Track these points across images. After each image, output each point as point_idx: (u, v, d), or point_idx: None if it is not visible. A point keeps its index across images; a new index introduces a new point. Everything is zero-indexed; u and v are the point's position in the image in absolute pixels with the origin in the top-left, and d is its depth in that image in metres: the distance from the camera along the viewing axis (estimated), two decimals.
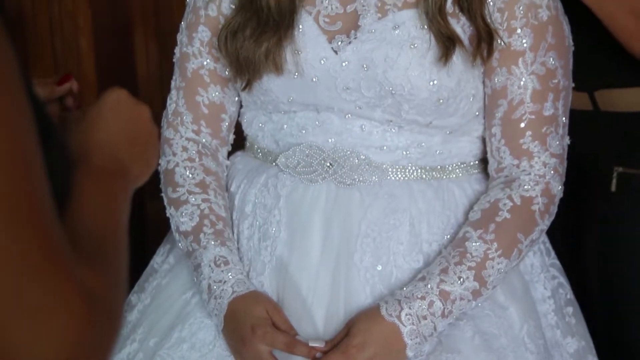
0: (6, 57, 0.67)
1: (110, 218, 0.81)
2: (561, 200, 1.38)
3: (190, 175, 1.42)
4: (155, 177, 1.46)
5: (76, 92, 1.20)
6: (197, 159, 1.44)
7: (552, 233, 1.42)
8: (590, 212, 1.53)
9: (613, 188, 1.46)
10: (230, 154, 1.51)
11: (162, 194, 1.45)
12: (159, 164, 1.46)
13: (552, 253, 1.47)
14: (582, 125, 1.45)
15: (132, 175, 0.90)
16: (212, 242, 1.36)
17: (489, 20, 1.32)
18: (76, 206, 0.79)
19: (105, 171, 0.86)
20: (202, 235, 1.37)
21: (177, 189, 1.42)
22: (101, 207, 0.81)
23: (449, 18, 1.31)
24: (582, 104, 1.47)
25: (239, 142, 1.51)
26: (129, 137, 0.92)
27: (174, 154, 1.44)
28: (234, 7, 1.40)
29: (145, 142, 0.93)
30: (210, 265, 1.34)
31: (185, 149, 1.44)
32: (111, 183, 0.85)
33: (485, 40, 1.32)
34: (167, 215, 1.43)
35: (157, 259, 1.52)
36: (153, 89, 2.33)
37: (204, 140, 1.46)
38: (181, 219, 1.39)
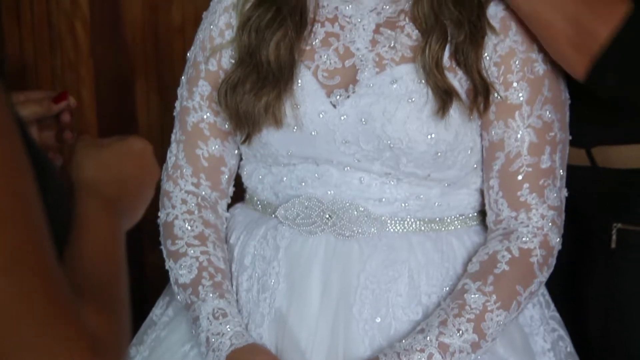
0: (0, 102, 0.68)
1: (113, 256, 0.81)
2: (561, 252, 1.38)
3: (190, 228, 1.43)
4: (155, 229, 1.47)
5: (73, 108, 1.21)
6: (196, 212, 1.44)
7: (551, 285, 1.42)
8: (590, 265, 1.52)
9: (613, 245, 1.46)
10: (229, 206, 1.51)
11: (162, 247, 1.45)
12: (158, 217, 1.47)
13: (552, 305, 1.46)
14: (580, 181, 1.45)
15: (126, 220, 0.91)
16: (211, 295, 1.36)
17: (485, 74, 1.34)
18: (81, 241, 0.79)
19: (111, 205, 0.87)
20: (200, 287, 1.37)
21: (176, 242, 1.42)
22: (106, 243, 0.81)
23: (446, 72, 1.33)
24: (579, 160, 1.47)
25: (238, 194, 1.52)
26: (136, 186, 0.93)
27: (174, 207, 1.45)
28: (233, 61, 1.41)
29: (146, 198, 0.95)
30: (208, 318, 1.34)
31: (184, 201, 1.45)
32: (115, 218, 0.86)
33: (482, 94, 1.33)
34: (166, 267, 1.43)
35: (156, 311, 1.51)
36: (154, 141, 2.33)
37: (203, 192, 1.46)
38: (180, 272, 1.40)
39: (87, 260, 0.78)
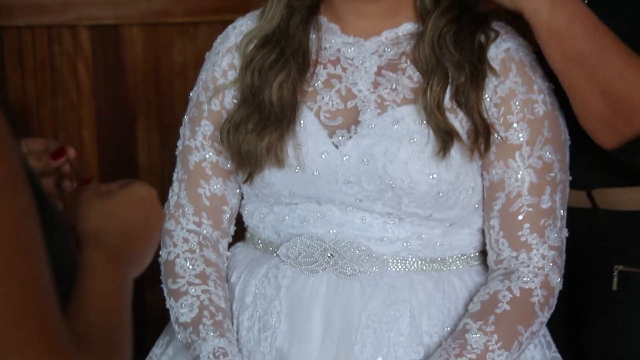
0: (6, 146, 0.68)
1: (117, 307, 0.81)
2: (562, 293, 1.38)
3: (191, 267, 1.43)
4: (155, 268, 1.47)
5: (73, 159, 1.21)
6: (197, 250, 1.45)
7: (552, 326, 1.42)
8: (592, 307, 1.52)
9: (614, 287, 1.46)
10: (230, 245, 1.52)
11: (162, 285, 1.45)
12: (159, 255, 1.47)
13: (553, 346, 1.46)
14: (581, 223, 1.45)
15: (133, 268, 0.92)
16: (212, 334, 1.36)
17: (485, 116, 1.35)
18: (85, 292, 0.79)
19: (117, 255, 0.87)
20: (201, 326, 1.37)
21: (177, 280, 1.42)
22: (110, 294, 0.82)
23: (447, 113, 1.34)
24: (580, 201, 1.48)
25: (239, 232, 1.53)
26: (142, 234, 0.93)
27: (175, 245, 1.45)
28: (236, 101, 1.42)
29: (153, 243, 0.95)
30: (209, 357, 1.34)
31: (186, 240, 1.45)
32: (121, 268, 0.86)
33: (482, 135, 1.34)
34: (167, 306, 1.43)
35: (155, 351, 1.51)
36: (155, 180, 2.34)
37: (205, 231, 1.47)
38: (181, 310, 1.40)
39: (91, 312, 0.78)
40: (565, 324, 1.53)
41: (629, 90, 1.30)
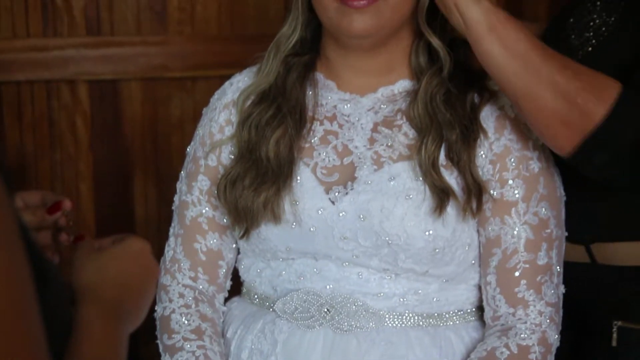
0: (2, 208, 0.69)
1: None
2: (562, 349, 1.38)
3: (186, 322, 1.43)
4: (149, 323, 1.46)
5: (69, 211, 1.21)
6: (193, 306, 1.44)
7: None
8: None
9: (614, 343, 1.45)
10: (226, 299, 1.51)
11: (158, 341, 1.44)
12: (154, 310, 1.46)
13: None
14: (579, 278, 1.45)
15: (128, 323, 0.91)
16: None
17: (478, 175, 1.35)
18: (79, 349, 0.79)
19: (112, 310, 0.87)
20: None
21: (173, 336, 1.42)
22: (104, 351, 0.81)
23: (443, 170, 1.35)
24: (579, 256, 1.48)
25: (236, 287, 1.52)
26: (136, 289, 0.93)
27: (170, 301, 1.45)
28: (233, 157, 1.43)
29: (148, 298, 0.95)
30: None
31: (181, 295, 1.45)
32: (116, 323, 0.86)
33: (474, 194, 1.35)
34: None
35: None
36: (151, 234, 2.35)
37: (200, 286, 1.46)
38: None
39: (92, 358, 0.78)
40: None
41: (576, 77, 1.29)
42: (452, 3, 1.29)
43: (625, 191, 1.43)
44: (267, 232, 1.38)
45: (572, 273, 1.41)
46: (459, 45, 1.41)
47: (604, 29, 1.46)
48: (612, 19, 1.46)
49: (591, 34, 1.47)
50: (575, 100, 1.29)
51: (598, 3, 1.48)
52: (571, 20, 1.52)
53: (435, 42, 1.37)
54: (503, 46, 1.28)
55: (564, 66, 1.29)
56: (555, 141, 1.33)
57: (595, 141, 1.30)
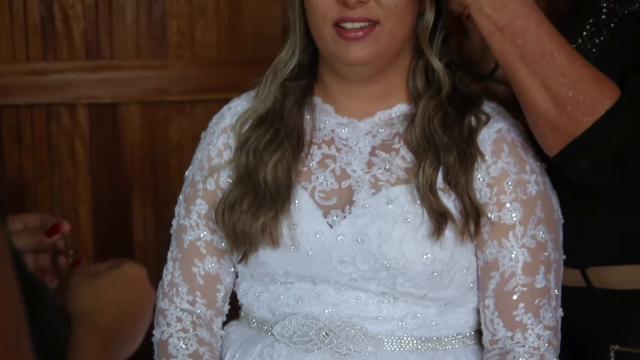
0: None
1: None
2: None
3: (184, 346, 1.42)
4: (147, 348, 1.46)
5: (68, 233, 1.21)
6: (191, 330, 1.44)
7: None
8: None
9: None
10: (224, 323, 1.51)
11: None
12: (152, 335, 1.46)
13: None
14: (576, 302, 1.45)
15: (124, 348, 0.91)
16: None
17: (475, 198, 1.35)
18: None
19: (107, 335, 0.87)
20: None
21: None
22: None
23: (441, 193, 1.35)
24: (575, 280, 1.48)
25: (234, 311, 1.52)
26: (132, 314, 0.94)
27: (168, 325, 1.45)
28: (231, 181, 1.43)
29: (143, 323, 0.95)
30: None
31: (179, 319, 1.45)
32: (111, 348, 0.86)
33: (472, 217, 1.35)
34: None
35: None
36: (149, 258, 2.35)
37: (198, 310, 1.46)
38: None
39: None
40: None
41: (573, 87, 1.30)
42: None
43: (617, 204, 1.43)
44: (265, 256, 1.38)
45: (568, 297, 1.41)
46: (456, 68, 1.42)
47: (594, 50, 1.47)
48: (599, 40, 1.47)
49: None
50: (565, 108, 1.30)
51: (587, 27, 1.49)
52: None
53: (436, 63, 1.38)
54: (510, 44, 1.30)
55: (563, 73, 1.30)
56: (542, 140, 1.35)
57: (579, 146, 1.31)
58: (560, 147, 1.32)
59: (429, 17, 1.36)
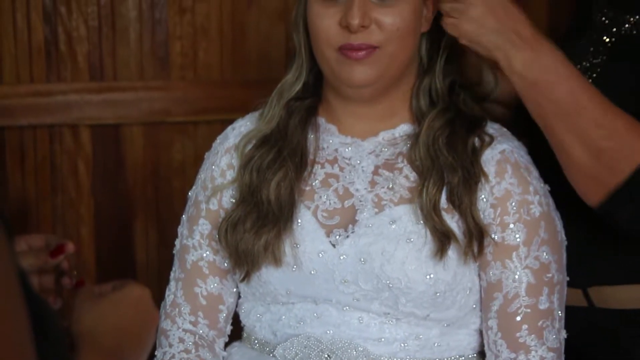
0: (1, 255, 0.69)
1: None
2: None
3: None
4: None
5: (72, 254, 1.22)
6: (193, 351, 1.43)
7: None
8: None
9: None
10: (227, 344, 1.50)
11: None
12: (155, 356, 1.46)
13: None
14: (578, 322, 1.45)
15: None
16: None
17: (479, 218, 1.35)
18: None
19: (111, 356, 0.87)
20: None
21: None
22: None
23: (444, 213, 1.35)
24: (576, 300, 1.47)
25: (236, 332, 1.52)
26: (136, 335, 0.94)
27: (171, 346, 1.44)
28: (234, 200, 1.43)
29: (147, 344, 0.95)
30: None
31: (181, 340, 1.44)
32: None
33: (476, 237, 1.34)
34: None
35: None
36: (151, 278, 2.35)
37: (201, 331, 1.46)
38: None
39: None
40: None
41: (609, 138, 1.30)
42: (494, 47, 1.29)
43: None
44: (267, 275, 1.38)
45: (570, 317, 1.40)
46: (459, 88, 1.42)
47: (597, 69, 1.47)
48: (600, 60, 1.47)
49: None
50: (601, 158, 1.31)
51: (589, 49, 1.49)
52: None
53: (439, 83, 1.38)
54: (542, 99, 1.31)
55: (599, 124, 1.30)
56: (582, 192, 1.35)
57: (621, 195, 1.31)
58: (600, 198, 1.33)
59: (427, 40, 1.36)
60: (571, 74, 1.32)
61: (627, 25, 1.44)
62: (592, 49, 1.49)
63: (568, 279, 1.41)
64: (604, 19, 1.47)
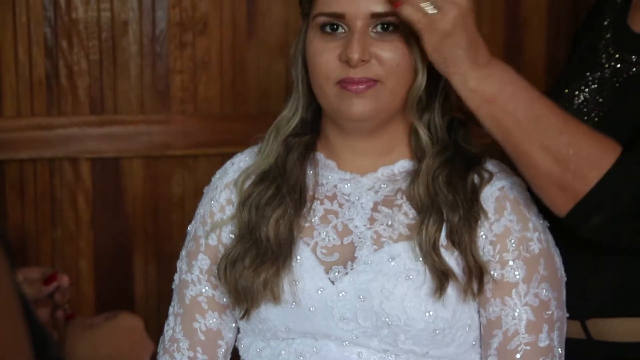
0: (2, 276, 0.69)
1: None
2: None
3: None
4: None
5: (66, 287, 1.21)
6: None
7: None
8: None
9: None
10: None
11: None
12: None
13: None
14: (576, 354, 1.44)
15: None
16: None
17: (479, 256, 1.35)
18: None
19: None
20: None
21: None
22: None
23: (443, 250, 1.35)
24: (575, 332, 1.47)
25: None
26: None
27: None
28: (233, 236, 1.43)
29: None
30: None
31: None
32: None
33: (475, 275, 1.34)
34: None
35: None
36: (150, 312, 2.34)
37: None
38: None
39: None
40: None
41: (572, 144, 1.29)
42: (451, 71, 1.30)
43: (613, 258, 1.43)
44: (266, 312, 1.38)
45: (569, 349, 1.40)
46: (458, 125, 1.42)
47: (600, 106, 1.48)
48: (602, 99, 1.48)
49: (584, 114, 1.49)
50: (568, 166, 1.30)
51: (590, 83, 1.50)
52: (566, 90, 1.54)
53: (437, 121, 1.39)
54: (500, 112, 1.29)
55: (561, 131, 1.30)
56: (551, 202, 1.34)
57: (590, 203, 1.30)
58: (569, 207, 1.32)
59: (421, 78, 1.36)
60: (528, 86, 1.32)
61: (634, 69, 1.45)
62: (595, 84, 1.49)
63: (568, 315, 1.41)
64: (610, 59, 1.48)
